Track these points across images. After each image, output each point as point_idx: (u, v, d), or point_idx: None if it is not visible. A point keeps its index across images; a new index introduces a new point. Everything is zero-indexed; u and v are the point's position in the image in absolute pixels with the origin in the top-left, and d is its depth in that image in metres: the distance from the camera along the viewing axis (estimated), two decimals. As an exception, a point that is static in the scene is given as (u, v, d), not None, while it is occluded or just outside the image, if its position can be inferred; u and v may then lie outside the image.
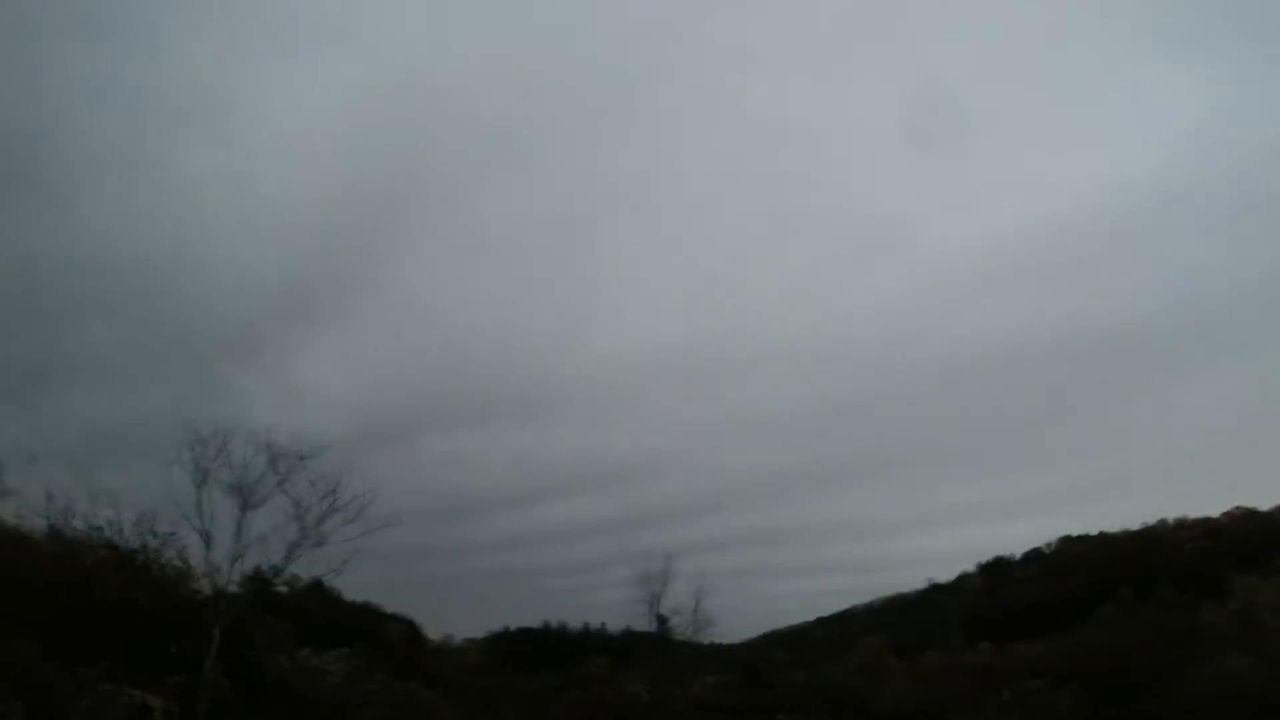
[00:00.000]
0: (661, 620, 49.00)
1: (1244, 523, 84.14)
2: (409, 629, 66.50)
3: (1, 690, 24.05)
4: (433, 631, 73.95)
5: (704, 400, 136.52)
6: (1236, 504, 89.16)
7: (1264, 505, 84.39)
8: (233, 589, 32.21)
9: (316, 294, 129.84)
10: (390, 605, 70.73)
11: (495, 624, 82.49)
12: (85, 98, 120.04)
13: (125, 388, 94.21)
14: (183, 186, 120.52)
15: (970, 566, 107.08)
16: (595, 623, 72.02)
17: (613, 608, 57.80)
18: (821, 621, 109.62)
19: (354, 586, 53.05)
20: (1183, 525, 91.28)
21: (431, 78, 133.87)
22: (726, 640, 55.62)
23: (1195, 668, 36.84)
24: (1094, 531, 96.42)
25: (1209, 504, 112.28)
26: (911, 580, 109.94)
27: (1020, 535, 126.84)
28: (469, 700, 42.16)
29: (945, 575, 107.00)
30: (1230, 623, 43.88)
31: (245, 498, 31.23)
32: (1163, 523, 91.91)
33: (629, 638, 57.18)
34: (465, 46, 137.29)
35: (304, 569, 34.25)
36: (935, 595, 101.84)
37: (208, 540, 31.20)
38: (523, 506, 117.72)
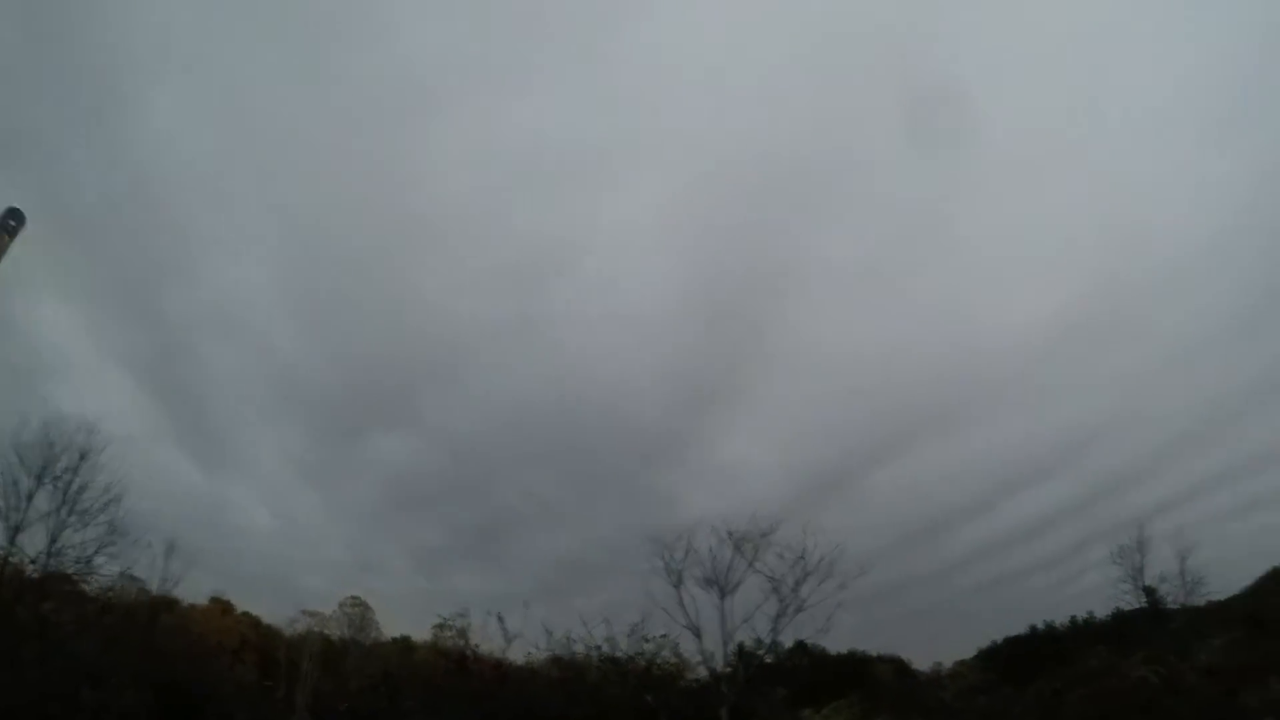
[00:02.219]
0: (1150, 592, 45.95)
1: None
2: (898, 666, 66.52)
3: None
4: (922, 663, 73.50)
5: (1121, 351, 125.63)
6: None
7: None
8: (727, 670, 33.80)
9: (714, 378, 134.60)
10: (875, 648, 71.21)
11: (982, 640, 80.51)
12: (453, 286, 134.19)
13: (573, 520, 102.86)
14: (562, 332, 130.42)
15: None
16: (1082, 613, 68.77)
17: (1096, 592, 54.94)
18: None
19: (837, 639, 53.87)
20: None
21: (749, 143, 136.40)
22: (1223, 595, 50.68)
23: None
24: None
25: None
26: None
27: None
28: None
29: None
30: None
31: (721, 586, 33.19)
32: None
33: (1121, 619, 53.59)
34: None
35: (788, 635, 35.26)
36: None
37: (697, 633, 33.54)
38: (979, 515, 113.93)
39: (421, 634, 62.08)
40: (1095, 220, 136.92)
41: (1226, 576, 53.57)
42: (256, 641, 68.96)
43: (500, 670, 35.92)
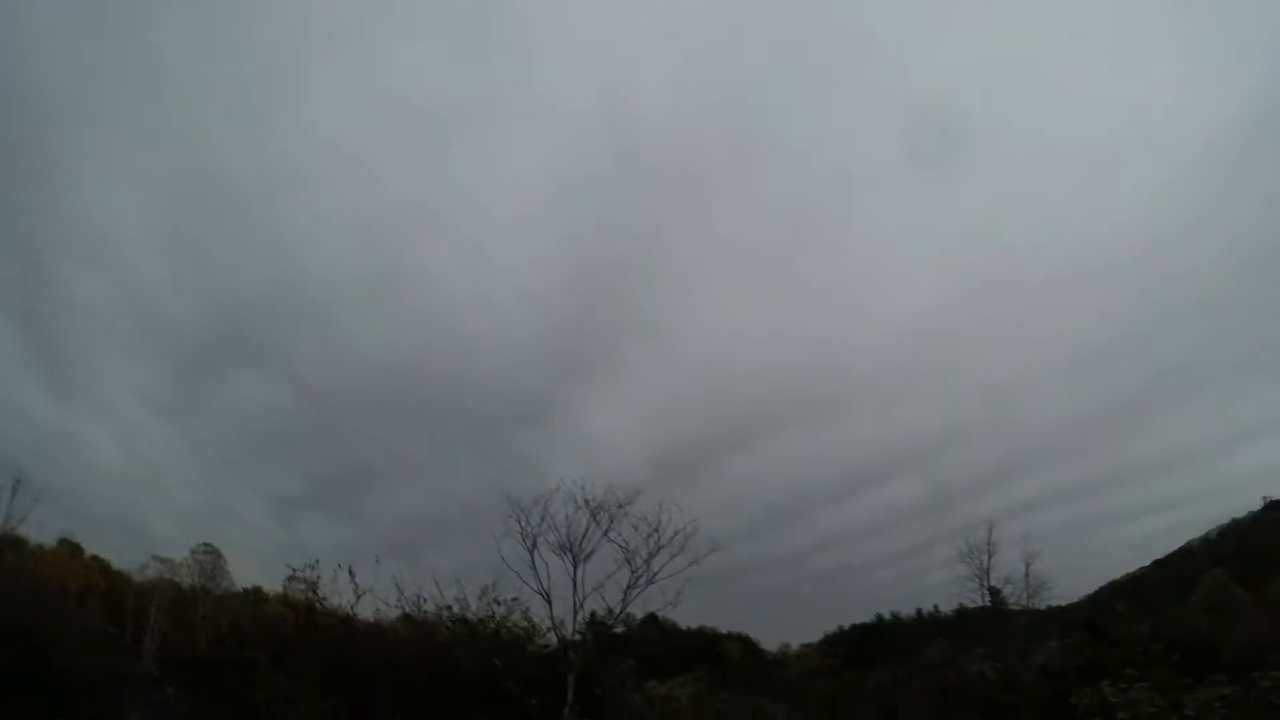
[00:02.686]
0: (994, 592, 47.62)
1: None
2: (746, 645, 68.04)
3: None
4: (769, 643, 74.99)
5: (987, 360, 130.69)
6: None
7: None
8: (577, 638, 33.99)
9: (585, 348, 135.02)
10: (725, 625, 72.44)
11: (829, 625, 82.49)
12: (329, 236, 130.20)
13: (433, 477, 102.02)
14: (431, 287, 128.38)
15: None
16: (928, 607, 70.80)
17: (943, 588, 56.67)
18: (1158, 564, 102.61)
19: (688, 614, 54.60)
20: None
21: (631, 117, 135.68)
22: (1064, 601, 53.14)
23: None
24: None
25: None
26: (1247, 502, 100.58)
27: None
28: (813, 705, 42.12)
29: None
30: None
31: (575, 554, 33.19)
32: None
33: (964, 616, 55.55)
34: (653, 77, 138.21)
35: (640, 607, 35.51)
36: (1274, 514, 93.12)
37: (548, 599, 33.44)
38: (836, 503, 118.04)
39: (273, 585, 60.85)
40: (980, 230, 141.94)
41: (1068, 584, 56.37)
42: (105, 587, 66.80)
43: (348, 625, 35.34)
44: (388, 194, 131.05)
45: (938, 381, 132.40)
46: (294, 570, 38.14)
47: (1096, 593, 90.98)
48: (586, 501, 33.68)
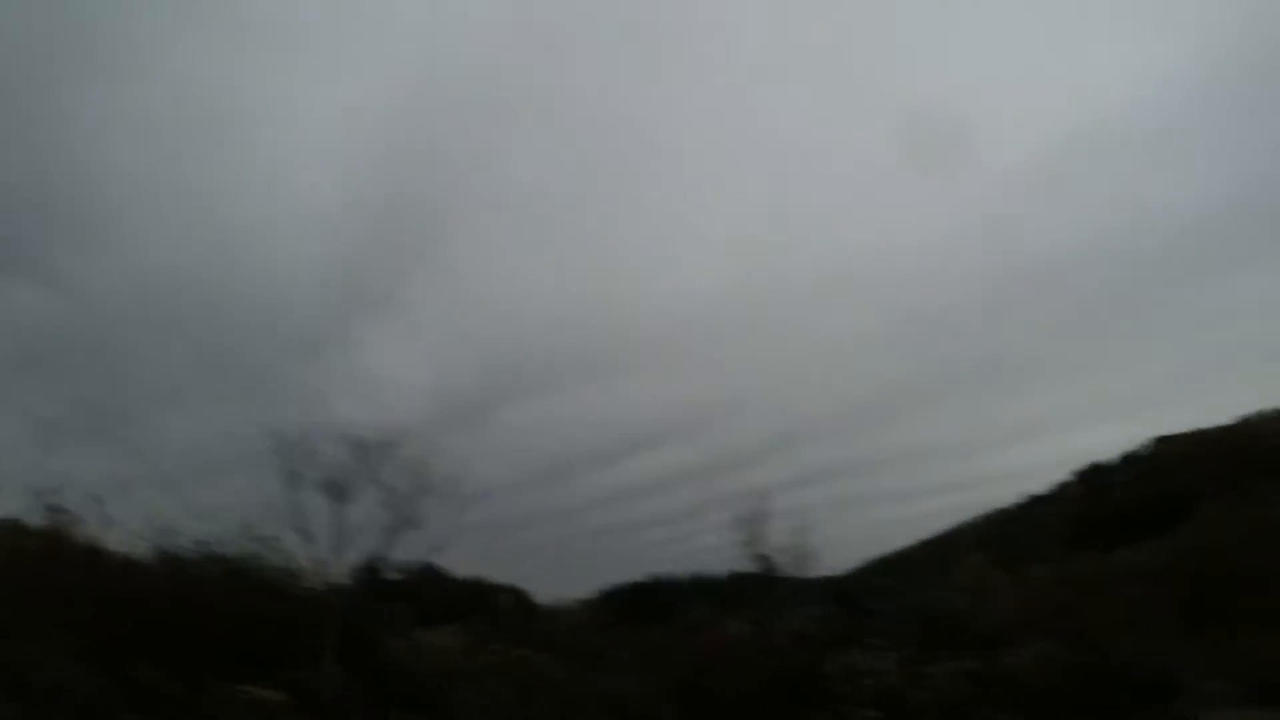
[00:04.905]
0: (763, 559, 49.21)
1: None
2: (519, 598, 68.50)
3: (125, 709, 24.58)
4: (542, 597, 75.52)
5: (772, 337, 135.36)
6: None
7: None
8: (342, 582, 33.19)
9: (370, 284, 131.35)
10: (499, 577, 72.45)
11: (602, 583, 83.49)
12: (108, 132, 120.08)
13: (202, 404, 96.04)
14: (216, 200, 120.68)
15: (1068, 475, 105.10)
16: (699, 570, 72.84)
17: (714, 553, 58.07)
18: (923, 544, 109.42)
19: (462, 563, 54.08)
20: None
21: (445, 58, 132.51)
22: (829, 572, 55.27)
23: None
24: (1189, 429, 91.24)
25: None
26: (1011, 494, 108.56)
27: (1118, 438, 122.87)
28: (580, 658, 42.76)
29: (1043, 486, 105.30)
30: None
31: (340, 493, 32.19)
32: (1261, 415, 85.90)
33: (733, 581, 57.48)
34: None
35: (410, 553, 34.93)
36: (1035, 507, 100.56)
37: (309, 539, 32.28)
38: (612, 463, 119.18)
39: (32, 516, 56.28)
40: (775, 214, 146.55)
41: (836, 557, 58.99)
42: None
43: (94, 559, 33.38)
44: (187, 97, 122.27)
45: (721, 354, 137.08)
46: (37, 496, 35.73)
47: (862, 566, 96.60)
48: (353, 439, 32.84)
